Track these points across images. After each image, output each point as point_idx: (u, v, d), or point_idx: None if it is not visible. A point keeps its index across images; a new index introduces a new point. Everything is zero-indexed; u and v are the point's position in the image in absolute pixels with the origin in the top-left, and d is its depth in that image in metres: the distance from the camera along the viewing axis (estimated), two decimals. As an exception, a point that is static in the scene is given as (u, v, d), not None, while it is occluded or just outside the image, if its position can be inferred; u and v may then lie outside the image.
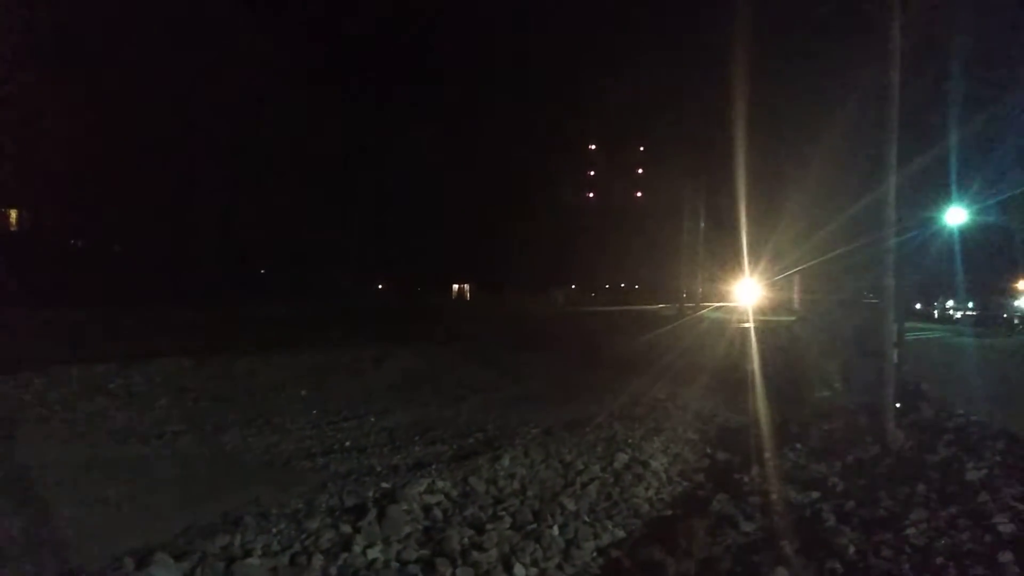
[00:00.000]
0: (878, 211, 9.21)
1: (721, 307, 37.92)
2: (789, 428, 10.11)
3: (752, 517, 6.48)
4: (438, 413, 11.45)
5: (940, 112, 13.63)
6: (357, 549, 5.36)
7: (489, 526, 6.00)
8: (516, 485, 7.25)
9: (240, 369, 14.22)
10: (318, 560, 5.17)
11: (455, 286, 68.08)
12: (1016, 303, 42.57)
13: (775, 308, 27.21)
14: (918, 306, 45.14)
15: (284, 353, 16.20)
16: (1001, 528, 5.41)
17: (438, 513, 6.26)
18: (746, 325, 22.22)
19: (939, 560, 5.02)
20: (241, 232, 41.50)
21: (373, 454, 8.67)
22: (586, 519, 6.50)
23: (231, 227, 40.56)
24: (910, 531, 5.58)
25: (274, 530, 5.64)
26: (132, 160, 34.15)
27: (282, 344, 17.88)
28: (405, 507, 6.12)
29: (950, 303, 46.48)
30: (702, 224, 36.45)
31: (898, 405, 9.12)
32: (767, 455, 8.76)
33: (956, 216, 20.09)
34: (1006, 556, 4.94)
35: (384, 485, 6.96)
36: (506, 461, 7.87)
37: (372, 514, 5.89)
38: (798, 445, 9.18)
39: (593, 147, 70.28)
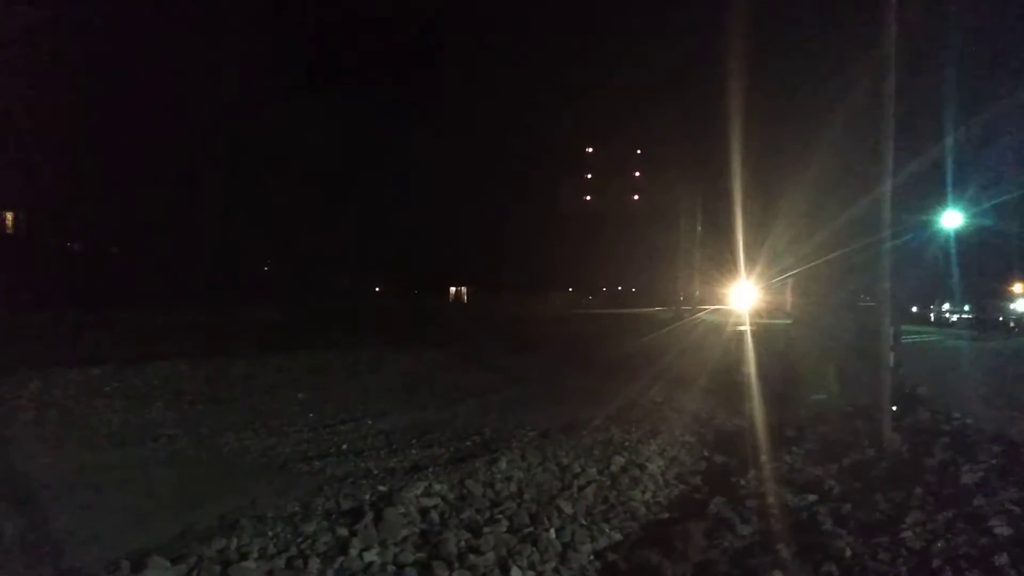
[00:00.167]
0: (874, 214, 9.24)
1: (717, 310, 37.99)
2: (786, 431, 10.12)
3: (749, 520, 6.48)
4: (435, 416, 11.44)
5: (936, 115, 13.68)
6: (354, 552, 5.36)
7: (486, 529, 6.00)
8: (513, 488, 7.24)
9: (237, 372, 14.19)
10: (314, 563, 5.16)
11: (452, 288, 68.15)
12: (1012, 306, 42.67)
13: (771, 311, 27.24)
14: (914, 309, 45.25)
15: (281, 355, 16.17)
16: (997, 531, 5.42)
17: (435, 516, 6.25)
18: (742, 328, 22.27)
19: (936, 563, 5.03)
20: (239, 234, 41.48)
21: (370, 457, 8.66)
22: (583, 522, 6.50)
23: (230, 228, 40.54)
24: (907, 534, 5.59)
25: (270, 533, 5.63)
26: (130, 162, 34.12)
27: (279, 346, 17.85)
28: (402, 510, 6.12)
29: (946, 306, 46.56)
30: (699, 227, 36.51)
31: (894, 408, 9.14)
32: (764, 458, 8.77)
33: (952, 219, 20.16)
34: (1003, 559, 4.95)
35: (381, 488, 6.96)
36: (503, 464, 7.86)
37: (369, 517, 5.89)
38: (795, 448, 9.19)
39: (590, 150, 70.35)
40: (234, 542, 5.36)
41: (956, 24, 12.67)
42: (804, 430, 10.08)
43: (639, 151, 67.06)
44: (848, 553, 5.37)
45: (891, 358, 9.28)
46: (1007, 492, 6.27)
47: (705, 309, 38.97)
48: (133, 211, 36.16)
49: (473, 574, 5.30)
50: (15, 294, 21.95)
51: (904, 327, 12.06)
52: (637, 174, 68.29)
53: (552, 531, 6.15)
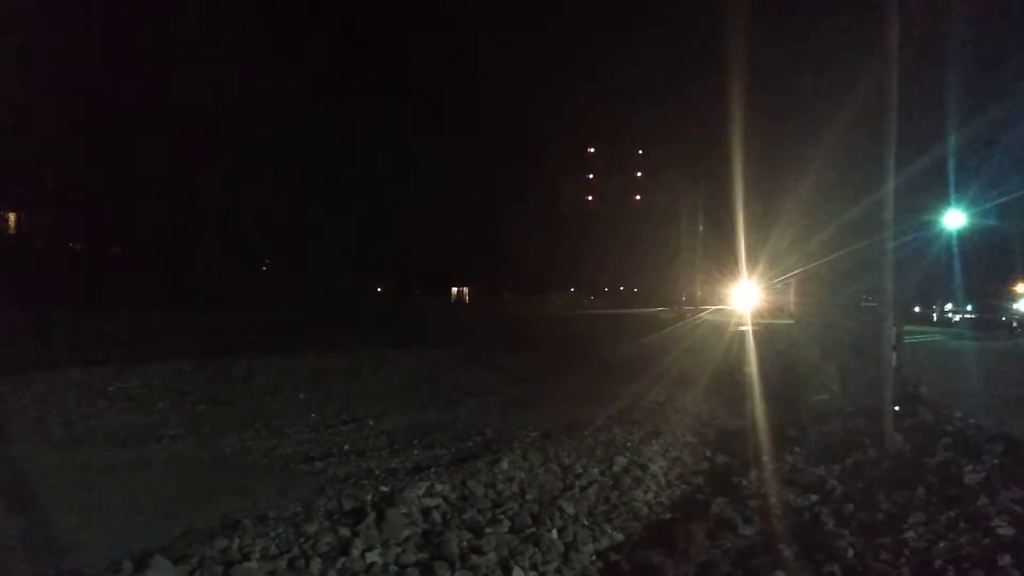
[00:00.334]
0: (876, 214, 9.23)
1: (719, 310, 37.96)
2: (788, 431, 10.11)
3: (751, 520, 6.48)
4: (437, 416, 11.44)
5: (938, 114, 13.65)
6: (355, 552, 5.35)
7: (488, 529, 5.99)
8: (515, 488, 7.24)
9: (239, 372, 14.21)
10: (316, 563, 5.16)
11: (454, 289, 68.15)
12: (1015, 306, 42.57)
13: (773, 311, 27.23)
14: (917, 309, 45.18)
15: (283, 356, 16.18)
16: (1000, 531, 5.41)
17: (437, 516, 6.25)
18: (744, 328, 22.26)
19: (938, 563, 5.02)
20: (240, 234, 41.51)
21: (372, 457, 8.66)
22: (585, 522, 6.49)
23: (231, 229, 40.57)
24: (909, 534, 5.58)
25: (272, 534, 5.63)
26: (131, 162, 34.13)
27: (281, 347, 17.87)
28: (404, 510, 6.11)
29: (949, 306, 46.47)
30: (700, 227, 36.53)
31: (897, 408, 9.13)
32: (766, 458, 8.76)
33: (954, 219, 20.13)
34: (1005, 559, 4.94)
35: (383, 488, 6.95)
36: (505, 464, 7.85)
37: (371, 517, 5.88)
38: (797, 448, 9.18)
39: (592, 150, 70.40)
40: (236, 542, 5.36)
41: (959, 22, 12.65)
42: (806, 430, 10.07)
43: (640, 151, 67.16)
44: (850, 553, 5.36)
45: (893, 358, 9.28)
46: (1010, 492, 6.26)
47: (707, 309, 38.98)
48: (134, 211, 36.21)
49: (475, 574, 5.30)
50: (17, 294, 21.98)
51: (906, 327, 12.04)
52: (638, 174, 68.39)
53: (554, 531, 6.15)
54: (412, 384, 14.65)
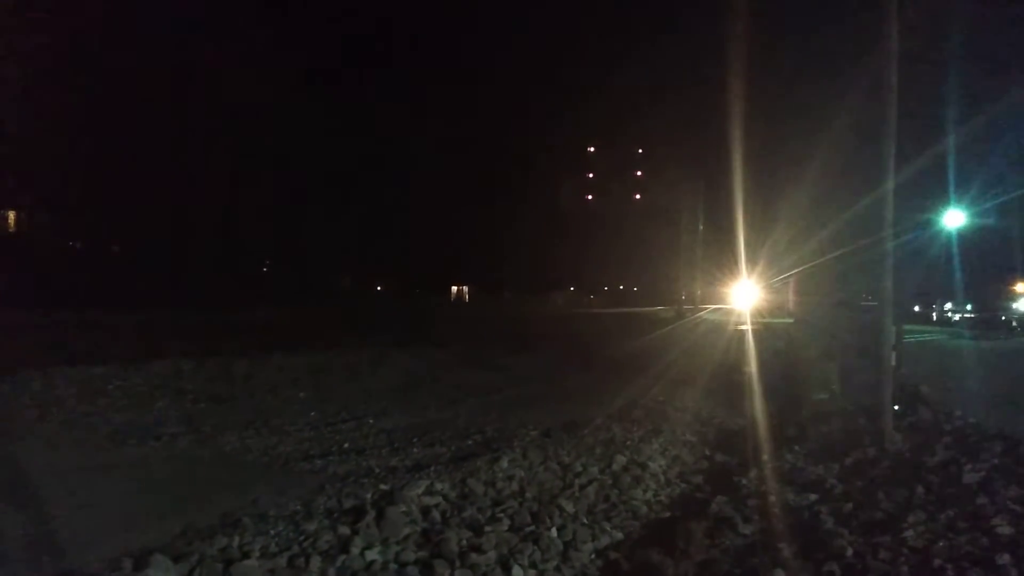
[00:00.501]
0: (876, 213, 9.23)
1: (719, 309, 37.95)
2: (787, 430, 10.13)
3: (750, 519, 6.48)
4: (436, 415, 11.44)
5: (938, 113, 13.65)
6: (355, 551, 5.36)
7: (487, 528, 6.00)
8: (515, 487, 7.24)
9: (239, 371, 14.21)
10: (316, 562, 5.16)
11: (454, 288, 68.12)
12: (1015, 305, 42.60)
13: (773, 311, 27.21)
14: (916, 308, 45.18)
15: (283, 355, 16.19)
16: (999, 530, 5.41)
17: (436, 515, 6.25)
18: (744, 327, 22.25)
19: (937, 563, 5.02)
20: (241, 233, 41.51)
21: (371, 456, 8.66)
22: (584, 521, 6.50)
23: (231, 228, 40.57)
24: (908, 533, 5.59)
25: (272, 532, 5.63)
26: (131, 161, 34.14)
27: (281, 346, 17.86)
28: (403, 509, 6.12)
29: (948, 305, 46.49)
30: (700, 226, 36.53)
31: (896, 407, 9.13)
32: (765, 457, 8.77)
33: (954, 219, 20.11)
34: (1004, 558, 4.94)
35: (382, 487, 6.96)
36: (504, 463, 7.86)
37: (370, 516, 5.89)
38: (796, 447, 9.20)
39: (591, 149, 70.33)
40: (236, 540, 5.36)
41: (958, 21, 12.65)
42: (805, 429, 10.08)
43: (640, 150, 67.06)
44: (849, 552, 5.36)
45: (893, 357, 9.28)
46: (1009, 491, 6.26)
47: (707, 308, 38.97)
48: (134, 211, 36.21)
49: (475, 573, 5.31)
50: (17, 293, 21.97)
51: (906, 326, 12.03)
52: (639, 173, 68.28)
53: (554, 530, 6.16)
54: (412, 383, 14.66)
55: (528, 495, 7.04)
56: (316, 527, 5.72)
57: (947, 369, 16.76)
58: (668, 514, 7.05)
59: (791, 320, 20.18)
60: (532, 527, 6.17)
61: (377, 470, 7.92)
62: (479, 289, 66.50)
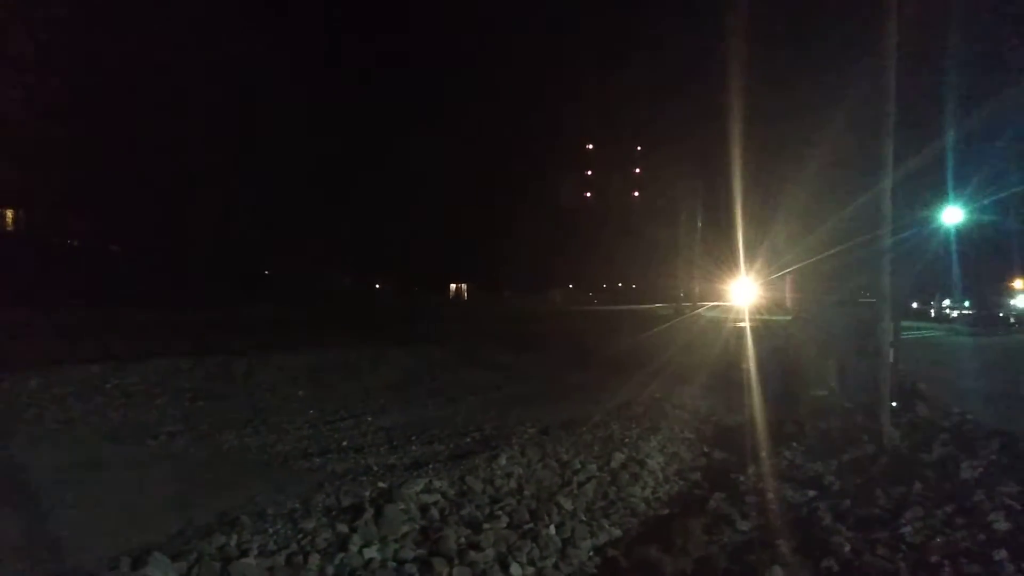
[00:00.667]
0: (874, 210, 9.24)
1: (718, 306, 37.97)
2: (785, 427, 10.14)
3: (749, 516, 6.50)
4: (435, 413, 11.45)
5: (937, 111, 13.66)
6: (354, 548, 5.36)
7: (486, 525, 6.01)
8: (513, 484, 7.25)
9: (237, 369, 14.20)
10: (314, 560, 5.17)
11: (452, 286, 68.11)
12: (1012, 302, 42.69)
13: (771, 308, 27.24)
14: (915, 305, 45.27)
15: (281, 353, 16.17)
16: (996, 526, 5.43)
17: (435, 512, 6.26)
18: (742, 324, 22.25)
19: (935, 558, 5.04)
20: (239, 232, 41.46)
21: (370, 454, 8.67)
22: (583, 518, 6.51)
23: (230, 227, 40.51)
24: (906, 529, 5.60)
25: (271, 530, 5.64)
26: (130, 159, 34.08)
27: (279, 344, 17.85)
28: (402, 506, 6.12)
29: (946, 302, 46.59)
30: (699, 224, 36.53)
31: (894, 404, 9.15)
32: (763, 454, 8.78)
33: (953, 215, 20.15)
34: (1001, 554, 4.96)
35: (381, 484, 6.95)
36: (503, 460, 7.87)
37: (369, 513, 5.89)
38: (794, 444, 9.21)
39: (590, 147, 70.39)
40: (234, 539, 5.36)
41: (957, 18, 12.65)
42: (803, 426, 10.09)
43: (639, 148, 67.16)
44: (847, 548, 5.38)
45: (891, 354, 9.30)
46: (1006, 487, 6.29)
47: (705, 305, 38.98)
48: (133, 209, 36.14)
49: (473, 570, 5.31)
50: (15, 291, 21.94)
51: (904, 323, 12.05)
52: (637, 171, 68.41)
53: (552, 527, 6.17)
54: (411, 381, 14.66)
55: (526, 493, 7.05)
56: (314, 525, 5.73)
57: (945, 366, 16.78)
58: (666, 511, 7.06)
59: (789, 317, 20.21)
60: (530, 524, 6.18)
61: (375, 468, 7.92)
62: (478, 287, 66.47)
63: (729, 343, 19.74)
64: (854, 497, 6.63)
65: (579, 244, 58.74)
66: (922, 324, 35.82)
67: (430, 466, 7.82)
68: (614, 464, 8.23)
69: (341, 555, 5.27)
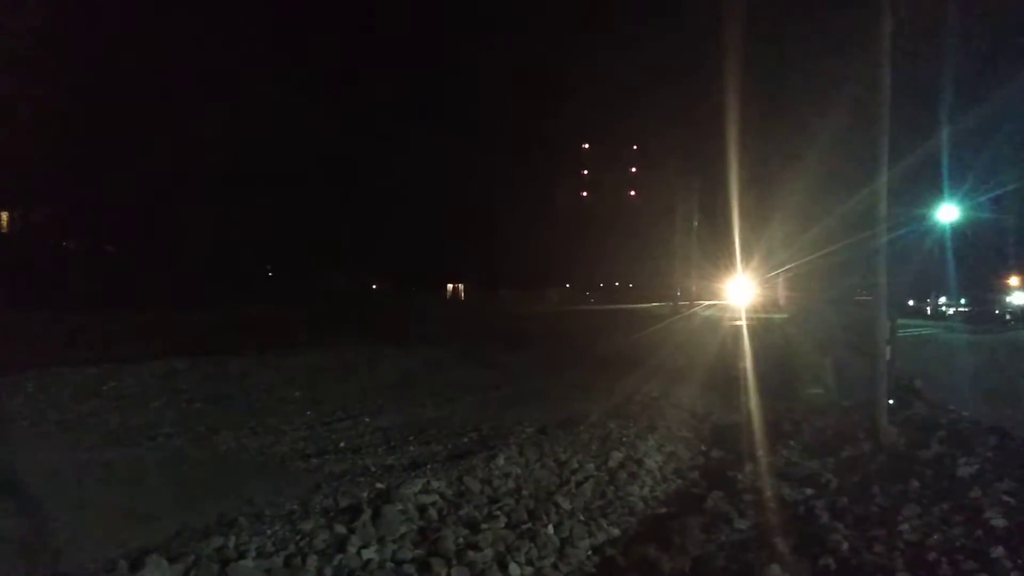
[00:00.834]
0: (871, 208, 9.25)
1: (714, 305, 37.98)
2: (782, 425, 10.15)
3: (746, 514, 6.50)
4: (433, 413, 11.43)
5: (933, 108, 13.68)
6: (352, 549, 5.36)
7: (484, 525, 6.00)
8: (511, 484, 7.25)
9: (234, 370, 14.18)
10: (312, 561, 5.16)
11: (449, 286, 68.07)
12: (1008, 299, 42.78)
13: (768, 306, 27.26)
14: (911, 303, 45.37)
15: (278, 354, 16.16)
16: (993, 523, 5.45)
17: (433, 513, 6.25)
18: (739, 323, 22.27)
19: (932, 555, 5.05)
20: (236, 233, 41.36)
21: (368, 454, 8.65)
22: (581, 518, 6.51)
23: (226, 227, 40.40)
24: (903, 527, 5.62)
25: (268, 531, 5.63)
26: (127, 160, 33.97)
27: (276, 345, 17.83)
28: (400, 507, 6.12)
29: (943, 300, 46.68)
30: (695, 222, 36.51)
31: (891, 402, 9.17)
32: (760, 453, 8.79)
33: (948, 213, 20.21)
34: (998, 551, 4.97)
35: (379, 485, 6.94)
36: (501, 460, 7.87)
37: (367, 514, 5.88)
38: (791, 442, 9.22)
39: (586, 146, 70.44)
40: (232, 540, 5.35)
41: (953, 13, 12.67)
42: (800, 424, 10.11)
43: (635, 147, 67.22)
44: (845, 546, 5.39)
45: (888, 352, 9.32)
46: (1003, 484, 6.31)
47: (702, 304, 38.98)
48: (130, 210, 36.07)
49: (471, 570, 5.31)
50: (10, 293, 21.90)
51: (900, 321, 12.08)
52: (633, 170, 68.47)
53: (550, 527, 6.16)
54: (408, 381, 14.64)
55: (525, 492, 7.05)
56: (312, 526, 5.72)
57: (941, 363, 16.83)
58: (664, 510, 7.06)
59: (786, 315, 20.23)
60: (529, 524, 6.17)
61: (373, 469, 7.91)
62: (475, 287, 66.46)
63: (726, 342, 19.77)
64: (851, 495, 6.65)
65: (575, 243, 58.77)
66: (918, 322, 35.89)
67: (428, 467, 7.81)
68: (612, 463, 8.23)
69: (339, 556, 5.26)
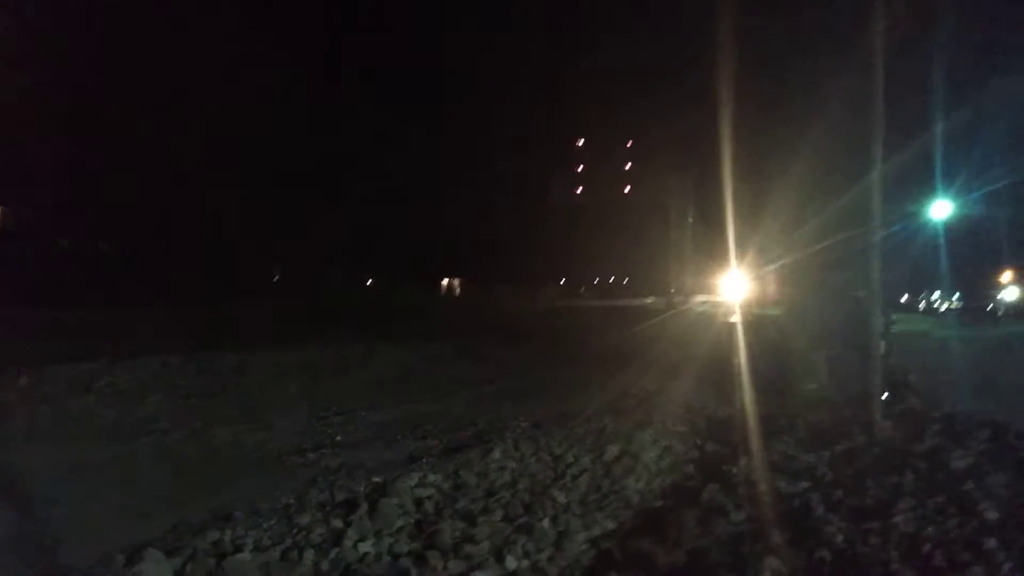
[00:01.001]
0: (864, 205, 9.28)
1: (709, 300, 38.07)
2: (777, 420, 10.17)
3: (742, 507, 6.52)
4: (428, 408, 11.45)
5: (926, 103, 13.72)
6: (348, 543, 5.37)
7: (481, 519, 6.02)
8: (507, 478, 7.27)
9: (230, 366, 14.16)
10: (309, 555, 5.17)
11: (444, 281, 68.01)
12: (1000, 295, 42.99)
13: (762, 301, 27.33)
14: (904, 299, 45.53)
15: (274, 349, 16.14)
16: (986, 515, 5.48)
17: (429, 506, 6.27)
18: (733, 318, 22.33)
19: (926, 547, 5.08)
20: (231, 229, 41.23)
21: (364, 449, 8.67)
22: (577, 511, 6.52)
23: (221, 225, 40.27)
24: (898, 519, 5.64)
25: (265, 526, 5.64)
26: (124, 158, 33.84)
27: (272, 340, 17.80)
28: (396, 501, 6.13)
29: (936, 295, 46.88)
30: (690, 218, 36.59)
31: (885, 396, 9.20)
32: (756, 446, 8.80)
33: (941, 209, 20.25)
34: (991, 542, 5.00)
35: (375, 479, 6.95)
36: (497, 454, 7.88)
37: (363, 508, 5.90)
38: (786, 436, 9.24)
39: (580, 142, 70.29)
40: (228, 534, 5.36)
41: (946, 9, 12.71)
42: (795, 418, 10.13)
43: (630, 143, 67.11)
44: (840, 538, 5.41)
45: (882, 347, 9.35)
46: (996, 476, 6.34)
47: (697, 299, 39.06)
48: (125, 207, 35.92)
49: (468, 563, 5.32)
50: (5, 290, 21.79)
51: (893, 316, 12.13)
52: (628, 166, 68.37)
53: (546, 520, 6.18)
54: (403, 376, 14.65)
55: (520, 486, 7.07)
56: (309, 520, 5.73)
57: (935, 358, 16.90)
58: (660, 503, 7.07)
59: (780, 311, 20.29)
60: (525, 518, 6.19)
61: (369, 463, 7.92)
62: (470, 282, 66.40)
63: (720, 337, 19.81)
64: (846, 488, 6.67)
65: (570, 239, 58.66)
66: (911, 317, 36.04)
67: (424, 460, 7.83)
68: (607, 457, 8.24)
69: (336, 550, 5.27)
